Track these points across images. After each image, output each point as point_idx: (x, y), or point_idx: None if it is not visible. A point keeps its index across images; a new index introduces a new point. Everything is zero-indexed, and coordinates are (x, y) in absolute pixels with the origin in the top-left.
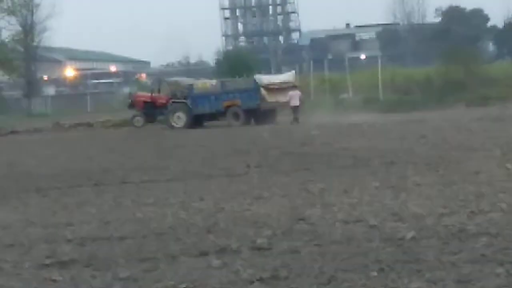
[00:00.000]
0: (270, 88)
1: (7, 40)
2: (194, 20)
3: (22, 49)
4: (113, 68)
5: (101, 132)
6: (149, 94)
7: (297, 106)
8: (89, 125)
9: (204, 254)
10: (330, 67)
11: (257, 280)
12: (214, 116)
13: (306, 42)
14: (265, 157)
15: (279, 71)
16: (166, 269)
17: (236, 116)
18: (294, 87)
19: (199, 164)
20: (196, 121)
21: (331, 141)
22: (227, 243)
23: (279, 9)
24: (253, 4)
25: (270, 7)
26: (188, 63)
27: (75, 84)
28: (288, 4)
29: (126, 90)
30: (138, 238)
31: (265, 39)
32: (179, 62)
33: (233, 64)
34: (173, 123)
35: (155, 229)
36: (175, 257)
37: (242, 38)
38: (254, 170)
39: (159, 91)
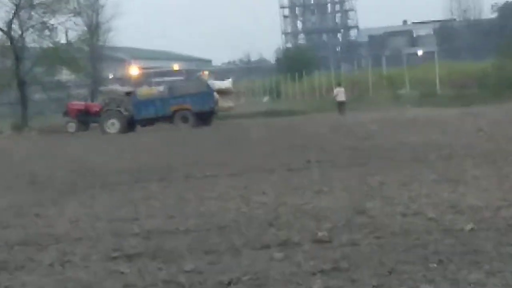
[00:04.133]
0: (219, 93)
1: (73, 40)
2: (254, 19)
3: (87, 49)
4: (176, 67)
5: (164, 128)
6: (83, 103)
7: (343, 101)
8: None
9: (266, 247)
10: (388, 63)
11: (319, 272)
12: (151, 121)
13: (364, 39)
14: (324, 152)
15: (338, 68)
16: (230, 262)
17: (185, 119)
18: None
19: (259, 158)
20: (130, 126)
21: (389, 135)
22: (289, 236)
23: (337, 7)
24: (312, 2)
25: (329, 5)
26: (249, 61)
27: (139, 82)
28: (346, 2)
29: None
30: (202, 232)
31: (324, 36)
32: (240, 60)
33: (293, 61)
34: (107, 129)
35: (218, 222)
36: (238, 250)
37: (301, 36)
38: (314, 164)
39: (92, 100)
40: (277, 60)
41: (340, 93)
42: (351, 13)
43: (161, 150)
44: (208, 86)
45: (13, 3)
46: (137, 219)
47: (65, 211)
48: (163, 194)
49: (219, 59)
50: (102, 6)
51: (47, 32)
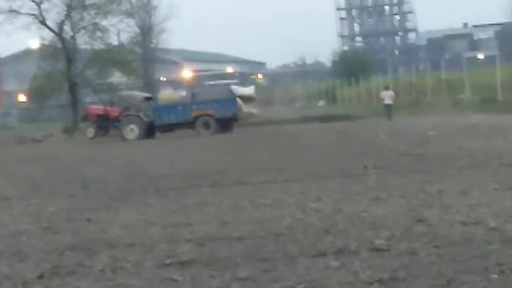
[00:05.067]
0: (242, 99)
1: (125, 42)
2: (310, 21)
3: (140, 51)
4: (229, 69)
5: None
6: (102, 107)
7: (390, 104)
8: None
9: (322, 254)
10: (447, 67)
11: (376, 281)
12: (172, 127)
13: (422, 42)
14: (381, 158)
15: (395, 71)
16: (284, 270)
17: (206, 125)
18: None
19: (315, 164)
20: (150, 132)
21: (448, 141)
22: (345, 244)
23: (395, 9)
24: (369, 4)
25: (387, 7)
26: (304, 64)
27: (192, 85)
28: (405, 4)
29: None
30: (256, 239)
31: (382, 39)
32: (295, 63)
33: (350, 64)
34: (126, 135)
35: (273, 229)
36: (293, 257)
37: (358, 39)
38: (371, 171)
39: (111, 105)
40: (333, 63)
41: (386, 97)
42: (409, 16)
43: (211, 155)
44: (231, 92)
45: (64, 4)
46: (190, 225)
47: (118, 216)
48: (216, 199)
49: (274, 62)
50: (155, 8)
51: (98, 34)
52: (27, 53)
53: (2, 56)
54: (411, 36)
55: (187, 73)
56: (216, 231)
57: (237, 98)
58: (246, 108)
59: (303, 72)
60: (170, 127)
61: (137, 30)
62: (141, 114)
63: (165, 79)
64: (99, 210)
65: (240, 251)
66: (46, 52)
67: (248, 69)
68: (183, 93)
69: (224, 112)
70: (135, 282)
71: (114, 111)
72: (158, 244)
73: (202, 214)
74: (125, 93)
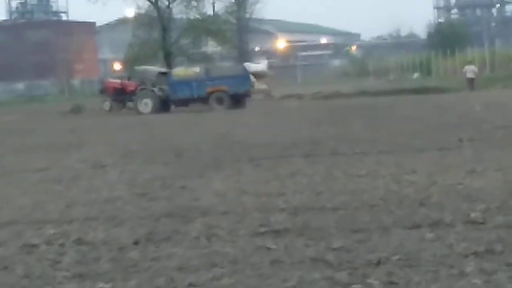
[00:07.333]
0: (254, 76)
1: (220, 12)
2: None
3: (234, 21)
4: (323, 41)
5: (311, 103)
6: (119, 81)
7: (472, 78)
8: (299, 96)
9: (416, 226)
10: None
11: (471, 254)
12: (186, 101)
13: None
14: (477, 131)
15: (492, 44)
16: (379, 241)
17: (220, 100)
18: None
19: (409, 136)
20: (164, 106)
21: None
22: (440, 216)
23: None
24: None
25: None
26: (399, 36)
27: (285, 56)
28: None
29: (336, 62)
30: (350, 209)
31: (478, 11)
32: (390, 35)
33: (445, 37)
34: (140, 109)
35: (367, 200)
36: (388, 229)
37: (454, 10)
38: (467, 143)
39: (129, 79)
40: (429, 35)
41: (469, 71)
42: None
43: (304, 126)
44: (244, 69)
45: None
46: (283, 195)
47: (211, 184)
48: (310, 170)
49: (368, 33)
50: None
51: (194, 3)
52: (123, 22)
53: (98, 24)
54: (508, 8)
55: (281, 43)
56: (309, 201)
57: (250, 75)
58: (258, 85)
59: (397, 44)
60: (184, 102)
61: (232, 0)
62: (155, 89)
63: (258, 49)
64: (192, 178)
65: (334, 221)
66: (141, 21)
67: (342, 40)
68: (197, 69)
69: (237, 88)
70: (229, 250)
71: (131, 85)
72: (252, 213)
73: (296, 184)
74: (140, 68)
